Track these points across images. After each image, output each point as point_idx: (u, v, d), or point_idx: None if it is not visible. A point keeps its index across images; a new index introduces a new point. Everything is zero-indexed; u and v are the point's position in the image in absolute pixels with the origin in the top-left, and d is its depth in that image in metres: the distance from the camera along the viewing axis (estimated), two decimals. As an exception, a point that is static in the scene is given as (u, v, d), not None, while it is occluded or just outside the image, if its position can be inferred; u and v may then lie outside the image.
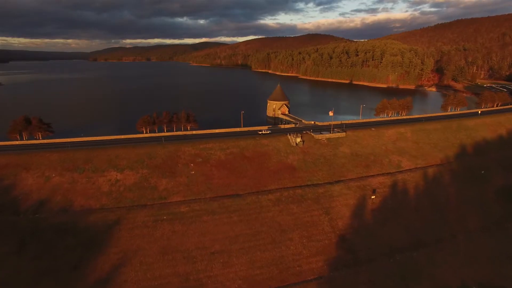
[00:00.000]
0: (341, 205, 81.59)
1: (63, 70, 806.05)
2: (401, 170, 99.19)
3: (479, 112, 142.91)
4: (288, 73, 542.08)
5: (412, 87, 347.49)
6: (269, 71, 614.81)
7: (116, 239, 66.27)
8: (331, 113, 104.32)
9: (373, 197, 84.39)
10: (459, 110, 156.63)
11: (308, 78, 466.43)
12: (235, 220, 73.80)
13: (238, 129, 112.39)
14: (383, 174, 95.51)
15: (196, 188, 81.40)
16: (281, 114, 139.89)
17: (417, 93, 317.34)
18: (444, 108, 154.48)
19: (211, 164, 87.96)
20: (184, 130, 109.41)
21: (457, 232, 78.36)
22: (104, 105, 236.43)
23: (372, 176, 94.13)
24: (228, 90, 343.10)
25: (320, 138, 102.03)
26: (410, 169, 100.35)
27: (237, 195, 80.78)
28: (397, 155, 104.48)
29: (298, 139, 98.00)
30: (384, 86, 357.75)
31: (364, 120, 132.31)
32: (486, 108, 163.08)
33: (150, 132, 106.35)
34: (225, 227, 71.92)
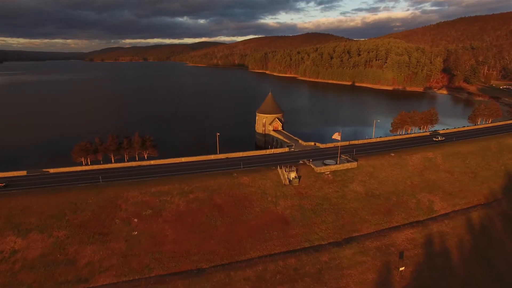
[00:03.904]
0: (355, 283, 54.31)
1: (55, 70, 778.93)
2: (434, 216, 71.88)
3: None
4: (286, 73, 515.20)
5: (420, 89, 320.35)
6: (266, 72, 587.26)
7: None
8: (337, 136, 76.76)
9: (401, 268, 56.96)
10: (491, 122, 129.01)
11: (307, 79, 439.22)
12: (191, 322, 46.54)
13: (212, 157, 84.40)
14: (411, 225, 68.12)
15: (137, 261, 53.92)
16: (273, 130, 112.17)
17: (427, 96, 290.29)
18: (472, 120, 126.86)
19: (164, 219, 60.43)
20: (139, 160, 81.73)
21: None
22: (59, 117, 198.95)
23: (396, 228, 66.77)
24: (216, 95, 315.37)
25: (322, 171, 74.56)
26: (447, 213, 73.06)
27: (198, 272, 53.42)
28: (427, 193, 77.10)
29: (293, 175, 70.62)
30: (390, 88, 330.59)
31: (378, 140, 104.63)
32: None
33: (91, 164, 78.93)
34: (173, 337, 44.66)
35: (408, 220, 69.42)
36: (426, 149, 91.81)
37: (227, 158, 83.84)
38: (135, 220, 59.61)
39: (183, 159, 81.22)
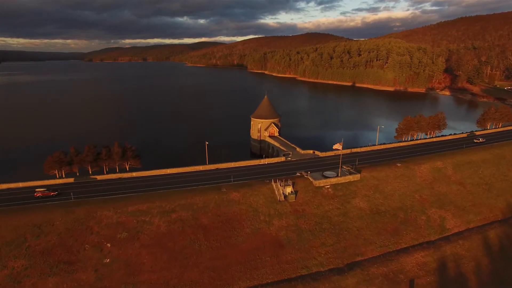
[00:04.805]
0: (360, 321, 46.92)
1: (54, 71, 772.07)
2: (447, 234, 64.59)
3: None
4: (285, 74, 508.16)
5: (422, 90, 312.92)
6: (265, 72, 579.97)
7: None
8: (339, 146, 69.34)
9: (413, 301, 49.63)
10: (501, 127, 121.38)
11: (306, 79, 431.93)
12: None
13: (201, 168, 76.88)
14: (421, 246, 60.71)
15: (106, 295, 46.39)
16: (269, 136, 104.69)
17: (429, 98, 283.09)
18: (481, 124, 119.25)
19: (141, 243, 52.95)
20: (120, 172, 74.15)
21: None
22: (56, 119, 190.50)
23: (405, 250, 59.35)
24: (216, 95, 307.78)
25: (322, 185, 67.12)
26: (461, 232, 65.74)
27: (177, 308, 45.92)
28: (437, 208, 69.70)
29: (288, 189, 63.24)
30: (391, 89, 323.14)
31: (382, 147, 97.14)
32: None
33: (66, 176, 71.41)
34: None
35: (418, 241, 62.03)
36: (434, 157, 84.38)
37: (216, 169, 76.34)
38: (108, 245, 52.09)
39: (168, 171, 73.68)
